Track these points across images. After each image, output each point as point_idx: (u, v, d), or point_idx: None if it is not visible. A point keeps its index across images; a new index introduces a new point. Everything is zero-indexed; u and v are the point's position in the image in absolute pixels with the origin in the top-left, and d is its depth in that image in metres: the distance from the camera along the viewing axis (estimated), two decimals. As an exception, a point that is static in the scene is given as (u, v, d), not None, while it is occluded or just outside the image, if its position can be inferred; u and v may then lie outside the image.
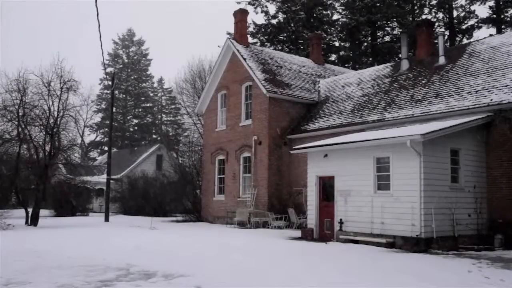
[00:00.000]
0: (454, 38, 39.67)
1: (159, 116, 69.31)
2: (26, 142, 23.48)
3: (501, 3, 38.04)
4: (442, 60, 20.42)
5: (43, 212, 25.27)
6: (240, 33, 26.81)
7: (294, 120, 24.04)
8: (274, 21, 44.21)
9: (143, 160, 45.84)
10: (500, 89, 16.06)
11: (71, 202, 32.75)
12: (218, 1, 77.72)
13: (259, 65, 25.01)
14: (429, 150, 13.89)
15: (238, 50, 25.39)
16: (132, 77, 68.79)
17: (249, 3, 43.61)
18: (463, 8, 40.25)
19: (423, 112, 17.71)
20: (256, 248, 13.75)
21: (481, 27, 39.47)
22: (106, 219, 26.04)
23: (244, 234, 18.15)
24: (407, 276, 9.24)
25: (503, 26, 37.35)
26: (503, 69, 17.20)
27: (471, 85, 17.45)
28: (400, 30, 39.62)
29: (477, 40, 21.63)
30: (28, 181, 25.52)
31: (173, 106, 65.33)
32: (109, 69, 64.49)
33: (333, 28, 44.97)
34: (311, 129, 22.45)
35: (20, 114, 22.73)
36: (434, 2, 40.94)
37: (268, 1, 44.31)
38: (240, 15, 27.22)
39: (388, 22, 42.47)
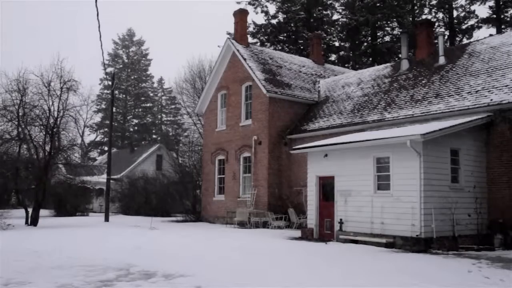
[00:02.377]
0: (454, 38, 39.69)
1: (159, 116, 69.33)
2: (26, 142, 23.48)
3: (501, 3, 38.05)
4: (442, 60, 20.42)
5: (43, 212, 25.28)
6: (240, 33, 26.82)
7: (294, 120, 24.04)
8: (274, 21, 44.24)
9: (143, 160, 45.85)
10: (500, 89, 16.06)
11: (71, 202, 32.76)
12: (218, 1, 77.74)
13: (259, 65, 25.01)
14: (429, 150, 13.89)
15: (238, 50, 25.39)
16: (132, 77, 68.81)
17: (249, 3, 43.64)
18: (463, 8, 40.29)
19: (423, 112, 17.71)
20: (256, 248, 13.75)
21: (481, 27, 39.50)
22: (106, 219, 26.04)
23: (244, 234, 18.15)
24: (407, 276, 9.24)
25: (503, 26, 37.36)
26: (503, 69, 17.20)
27: (471, 85, 17.45)
28: (400, 30, 39.62)
29: (477, 40, 21.63)
30: (28, 181, 25.53)
31: (173, 106, 65.37)
32: (109, 69, 64.55)
33: (333, 28, 44.98)
34: (311, 129, 22.45)
35: (20, 114, 22.73)
36: (434, 2, 40.96)
37: (268, 1, 44.35)
38: (240, 15, 27.22)
39: (388, 22, 42.49)
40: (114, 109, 33.63)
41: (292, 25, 43.77)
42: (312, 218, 17.44)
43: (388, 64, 25.48)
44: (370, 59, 42.35)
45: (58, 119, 23.02)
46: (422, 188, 13.54)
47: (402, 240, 13.87)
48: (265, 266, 10.48)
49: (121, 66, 68.04)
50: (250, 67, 24.32)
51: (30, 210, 22.77)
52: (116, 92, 61.70)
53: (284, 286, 8.29)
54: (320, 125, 22.34)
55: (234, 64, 25.91)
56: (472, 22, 39.87)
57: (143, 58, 69.53)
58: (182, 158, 46.45)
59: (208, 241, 15.62)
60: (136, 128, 67.76)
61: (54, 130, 22.89)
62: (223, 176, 26.06)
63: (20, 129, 22.85)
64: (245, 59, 24.86)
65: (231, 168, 25.28)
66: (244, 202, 23.66)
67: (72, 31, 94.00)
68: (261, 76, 23.92)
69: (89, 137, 65.28)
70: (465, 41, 38.46)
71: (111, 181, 29.01)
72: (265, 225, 21.70)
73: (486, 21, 38.90)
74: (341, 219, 15.92)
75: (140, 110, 68.01)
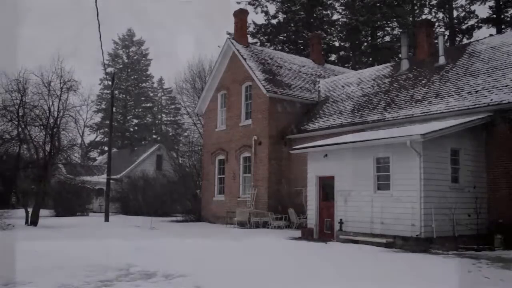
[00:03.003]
0: (454, 38, 39.69)
1: (159, 116, 69.32)
2: (26, 142, 23.48)
3: (501, 3, 38.06)
4: (442, 60, 20.41)
5: (43, 212, 25.26)
6: (240, 33, 26.81)
7: (294, 120, 24.02)
8: (274, 21, 44.25)
9: (143, 160, 45.83)
10: (500, 89, 16.05)
11: (71, 202, 32.75)
12: (218, 1, 77.74)
13: (259, 65, 25.00)
14: (429, 150, 13.88)
15: (238, 50, 25.38)
16: (132, 77, 68.79)
17: (249, 3, 43.64)
18: (463, 8, 40.29)
19: (423, 112, 17.70)
20: (256, 248, 13.75)
21: (481, 27, 39.49)
22: (106, 219, 26.04)
23: (244, 234, 18.14)
24: (407, 276, 9.24)
25: (503, 26, 37.37)
26: (503, 69, 17.19)
27: (471, 85, 17.44)
28: (400, 30, 39.63)
29: (477, 40, 21.63)
30: (28, 181, 25.52)
31: (173, 106, 65.36)
32: (109, 69, 64.52)
33: (333, 28, 44.99)
34: (311, 129, 22.44)
35: (20, 114, 22.73)
36: (434, 2, 40.98)
37: (268, 1, 44.35)
38: (240, 15, 27.22)
39: (388, 22, 42.49)
40: (114, 109, 33.63)
41: (292, 25, 43.77)
42: (312, 218, 17.43)
43: (388, 64, 25.47)
44: (370, 59, 42.35)
45: (58, 119, 23.02)
46: (422, 188, 13.53)
47: (402, 240, 13.86)
48: (265, 266, 10.48)
49: (121, 66, 68.01)
50: (250, 67, 24.31)
51: (30, 210, 22.76)
52: (116, 92, 61.66)
53: (284, 286, 8.29)
54: (320, 125, 22.33)
55: (234, 64, 25.90)
56: (472, 22, 39.89)
57: (143, 58, 69.51)
58: (182, 158, 46.40)
59: (208, 241, 15.62)
60: (136, 128, 67.76)
61: (54, 130, 22.88)
62: (223, 176, 26.05)
63: (20, 129, 22.84)
64: (245, 59, 24.85)
65: (231, 168, 25.27)
66: (244, 202, 23.65)
67: (72, 31, 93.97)
68: (261, 76, 23.91)
69: (89, 137, 65.27)
70: (465, 41, 38.47)
71: (111, 181, 29.01)
72: (265, 225, 21.68)
73: (486, 21, 38.89)
74: (341, 219, 15.91)
75: (140, 110, 68.00)
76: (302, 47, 42.95)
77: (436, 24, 39.17)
